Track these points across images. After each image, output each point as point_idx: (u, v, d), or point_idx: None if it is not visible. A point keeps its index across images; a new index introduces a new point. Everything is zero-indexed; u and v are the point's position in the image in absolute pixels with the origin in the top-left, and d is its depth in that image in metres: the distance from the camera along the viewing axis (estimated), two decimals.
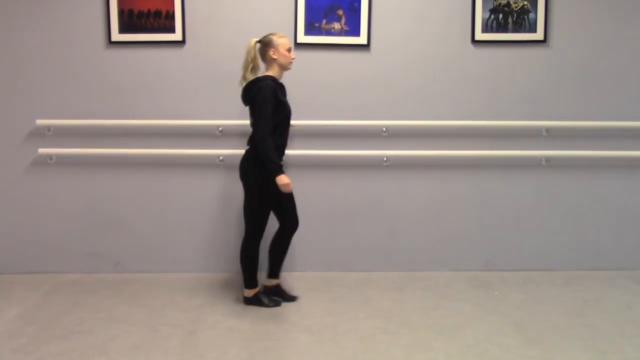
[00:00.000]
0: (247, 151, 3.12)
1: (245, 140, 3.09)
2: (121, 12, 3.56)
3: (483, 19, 3.63)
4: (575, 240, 3.81)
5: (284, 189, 2.96)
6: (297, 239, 3.70)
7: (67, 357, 2.58)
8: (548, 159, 3.74)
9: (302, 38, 3.59)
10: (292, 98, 3.63)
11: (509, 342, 2.75)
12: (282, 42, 3.07)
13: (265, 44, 3.09)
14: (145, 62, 3.62)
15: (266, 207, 3.13)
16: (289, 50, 3.10)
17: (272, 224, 3.25)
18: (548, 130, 3.72)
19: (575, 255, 3.81)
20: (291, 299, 3.29)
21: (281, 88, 3.11)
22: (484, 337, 2.80)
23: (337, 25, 3.61)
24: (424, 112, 3.69)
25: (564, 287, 3.51)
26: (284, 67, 3.11)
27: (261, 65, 3.16)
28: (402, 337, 2.80)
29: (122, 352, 2.64)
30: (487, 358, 2.59)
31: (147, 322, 2.98)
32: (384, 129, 3.68)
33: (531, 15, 3.63)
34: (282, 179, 2.94)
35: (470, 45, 3.67)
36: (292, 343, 2.74)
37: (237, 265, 3.72)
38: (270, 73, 3.10)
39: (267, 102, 2.95)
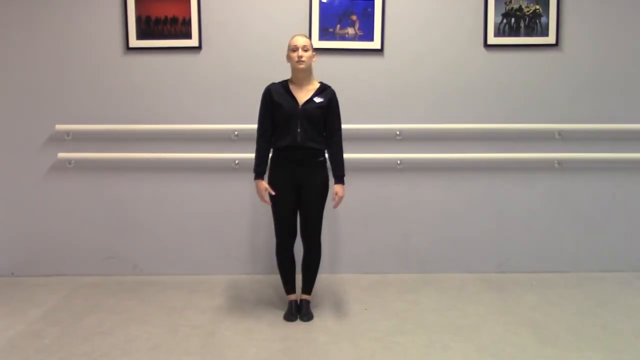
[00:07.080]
0: None
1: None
2: (139, 19, 3.62)
3: (495, 23, 3.67)
4: (588, 242, 3.82)
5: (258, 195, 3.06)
6: None
7: (90, 357, 2.63)
8: (560, 162, 3.76)
9: (317, 43, 3.63)
10: None
11: (524, 342, 2.77)
12: (289, 43, 3.00)
13: None
14: (163, 67, 3.68)
15: (281, 209, 3.04)
16: (293, 50, 2.97)
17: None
18: (560, 133, 3.74)
19: (588, 257, 3.83)
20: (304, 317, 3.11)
21: (286, 89, 3.01)
22: (500, 338, 2.82)
23: (351, 30, 3.66)
24: (437, 116, 3.73)
25: (577, 288, 3.53)
26: (292, 68, 3.03)
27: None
28: (418, 337, 2.84)
29: (144, 352, 2.68)
30: (503, 358, 2.62)
31: (167, 323, 3.02)
32: (398, 132, 3.72)
33: (543, 19, 3.66)
34: (256, 185, 3.05)
35: (483, 49, 3.70)
36: (310, 344, 2.78)
37: (252, 267, 3.80)
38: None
39: (260, 106, 3.07)
